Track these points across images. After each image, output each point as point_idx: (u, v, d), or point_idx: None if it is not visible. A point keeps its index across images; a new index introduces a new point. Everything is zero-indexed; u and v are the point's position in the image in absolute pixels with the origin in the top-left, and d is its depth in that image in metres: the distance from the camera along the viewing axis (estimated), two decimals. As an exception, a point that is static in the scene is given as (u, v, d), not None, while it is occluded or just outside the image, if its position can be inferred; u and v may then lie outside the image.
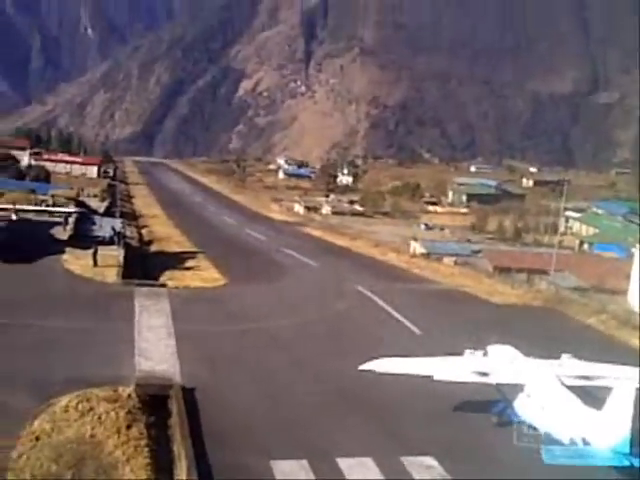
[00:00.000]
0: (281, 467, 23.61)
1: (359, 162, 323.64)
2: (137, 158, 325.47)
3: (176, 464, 24.04)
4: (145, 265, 66.91)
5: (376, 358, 28.04)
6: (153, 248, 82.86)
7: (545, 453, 22.83)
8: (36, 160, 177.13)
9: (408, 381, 27.54)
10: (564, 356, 28.47)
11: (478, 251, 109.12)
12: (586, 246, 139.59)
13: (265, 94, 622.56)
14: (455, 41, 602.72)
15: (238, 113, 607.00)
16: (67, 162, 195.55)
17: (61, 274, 53.43)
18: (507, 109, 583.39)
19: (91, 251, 57.33)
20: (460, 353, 28.75)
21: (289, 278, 63.85)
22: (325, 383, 32.80)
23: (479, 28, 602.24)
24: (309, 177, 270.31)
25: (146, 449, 24.09)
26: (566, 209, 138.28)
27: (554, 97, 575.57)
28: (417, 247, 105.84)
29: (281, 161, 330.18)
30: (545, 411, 25.24)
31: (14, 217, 71.16)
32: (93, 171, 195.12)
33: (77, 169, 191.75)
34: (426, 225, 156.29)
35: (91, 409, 26.35)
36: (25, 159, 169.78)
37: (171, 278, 58.16)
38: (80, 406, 26.48)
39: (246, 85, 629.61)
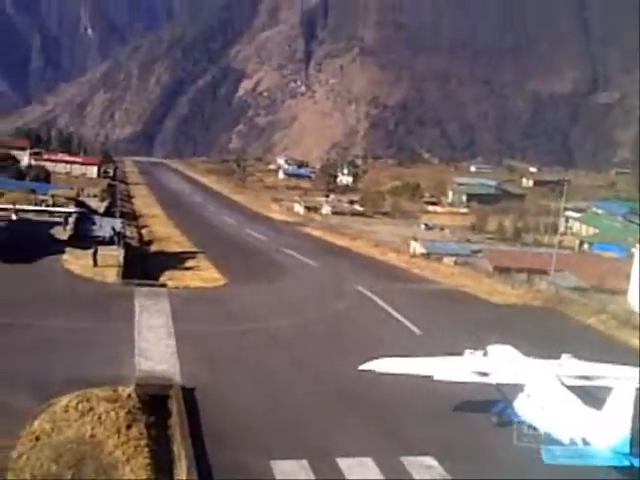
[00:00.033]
0: (281, 467, 23.61)
1: (359, 162, 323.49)
2: (137, 158, 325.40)
3: (176, 464, 24.02)
4: (145, 265, 66.90)
5: (376, 358, 28.03)
6: (153, 248, 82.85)
7: (545, 453, 22.83)
8: (36, 160, 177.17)
9: (408, 381, 27.55)
10: (564, 356, 28.48)
11: (478, 251, 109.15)
12: (586, 246, 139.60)
13: (265, 94, 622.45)
14: (455, 41, 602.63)
15: (238, 113, 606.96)
16: (67, 162, 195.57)
17: (61, 274, 53.43)
18: (507, 109, 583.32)
19: (91, 251, 57.34)
20: (460, 353, 28.74)
21: (289, 278, 63.85)
22: (325, 383, 32.80)
23: (479, 28, 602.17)
24: (309, 177, 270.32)
25: (146, 449, 24.09)
26: (566, 209, 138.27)
27: (554, 97, 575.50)
28: (417, 247, 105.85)
29: (281, 161, 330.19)
30: (545, 411, 25.24)
31: (14, 217, 71.17)
32: (93, 171, 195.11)
33: (77, 169, 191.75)
34: (426, 225, 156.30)
35: (91, 409, 26.35)
36: (25, 159, 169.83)
37: (171, 278, 58.16)
38: (80, 406, 26.48)
39: (246, 85, 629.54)
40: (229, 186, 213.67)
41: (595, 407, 23.53)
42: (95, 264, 56.13)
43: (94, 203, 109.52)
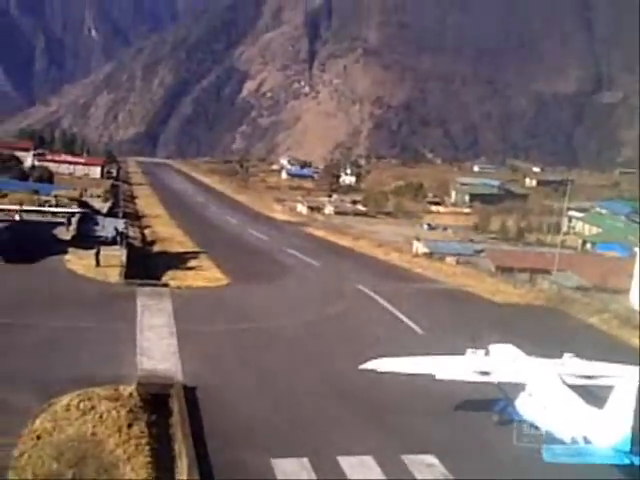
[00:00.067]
0: (282, 465, 23.64)
1: (362, 162, 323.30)
2: (140, 159, 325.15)
3: (177, 463, 24.06)
4: (147, 265, 66.82)
5: (378, 357, 28.04)
6: (156, 248, 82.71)
7: (546, 451, 22.83)
8: (39, 161, 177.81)
9: (410, 380, 27.58)
10: (566, 355, 28.48)
11: (481, 251, 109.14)
12: (589, 245, 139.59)
13: (269, 94, 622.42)
14: (459, 41, 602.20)
15: (242, 113, 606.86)
16: (70, 163, 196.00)
17: (64, 274, 53.57)
18: (511, 109, 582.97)
19: (94, 251, 57.47)
20: (462, 352, 28.71)
21: (291, 278, 63.85)
22: (327, 382, 32.86)
23: (482, 28, 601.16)
24: (312, 177, 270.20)
25: (147, 448, 24.14)
26: (569, 209, 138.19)
27: (558, 97, 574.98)
28: (420, 247, 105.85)
29: (284, 161, 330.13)
30: (547, 410, 25.25)
31: (17, 217, 71.30)
32: (96, 172, 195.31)
33: (80, 170, 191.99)
34: (429, 225, 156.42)
35: (92, 408, 26.45)
36: (28, 160, 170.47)
37: (173, 278, 58.08)
38: (81, 405, 26.58)
39: (250, 86, 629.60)
40: (232, 186, 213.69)
41: (597, 406, 23.52)
42: (98, 264, 56.27)
43: (97, 203, 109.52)
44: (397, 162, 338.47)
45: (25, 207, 78.18)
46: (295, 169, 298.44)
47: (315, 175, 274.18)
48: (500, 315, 49.63)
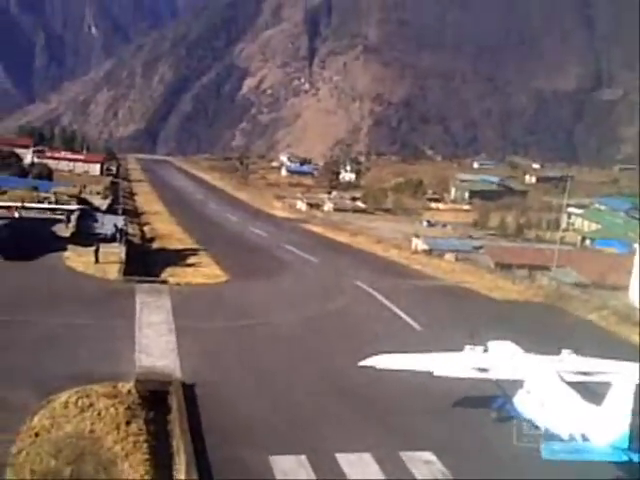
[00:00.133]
0: (280, 462, 23.59)
1: (362, 159, 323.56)
2: (140, 155, 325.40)
3: (175, 459, 24.07)
4: (147, 262, 66.96)
5: (376, 354, 28.02)
6: (155, 245, 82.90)
7: (544, 449, 22.83)
8: (39, 158, 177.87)
9: (408, 377, 27.58)
10: (564, 352, 28.39)
11: (480, 247, 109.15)
12: (588, 242, 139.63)
13: (269, 92, 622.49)
14: (459, 38, 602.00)
15: (242, 110, 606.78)
16: (70, 160, 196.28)
17: (63, 271, 53.57)
18: (510, 106, 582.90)
19: (93, 248, 57.45)
20: (460, 349, 28.69)
21: (290, 275, 63.84)
22: (325, 379, 32.86)
23: (483, 25, 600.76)
24: (312, 174, 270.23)
25: (145, 445, 24.11)
26: (568, 205, 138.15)
27: (558, 94, 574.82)
28: (419, 243, 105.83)
29: (284, 158, 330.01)
30: (545, 407, 25.19)
31: (16, 214, 71.27)
32: (96, 169, 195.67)
33: (80, 167, 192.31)
34: (428, 222, 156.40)
35: (91, 405, 26.39)
36: (28, 157, 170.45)
37: (172, 275, 58.28)
38: (80, 402, 26.53)
39: (250, 83, 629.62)
40: (232, 183, 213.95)
41: (595, 403, 23.49)
42: (97, 261, 56.29)
43: (97, 200, 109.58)
44: (397, 159, 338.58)
45: (24, 204, 78.06)
46: (295, 166, 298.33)
47: (315, 172, 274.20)
48: (499, 312, 49.66)
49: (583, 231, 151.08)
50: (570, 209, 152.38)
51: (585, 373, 27.16)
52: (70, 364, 31.11)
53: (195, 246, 78.71)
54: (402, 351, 28.88)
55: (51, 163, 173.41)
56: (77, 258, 57.53)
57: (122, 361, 32.31)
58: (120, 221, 77.36)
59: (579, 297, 57.19)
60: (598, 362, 28.16)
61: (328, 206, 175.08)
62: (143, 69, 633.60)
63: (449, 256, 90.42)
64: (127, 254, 61.39)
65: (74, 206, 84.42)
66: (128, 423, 25.40)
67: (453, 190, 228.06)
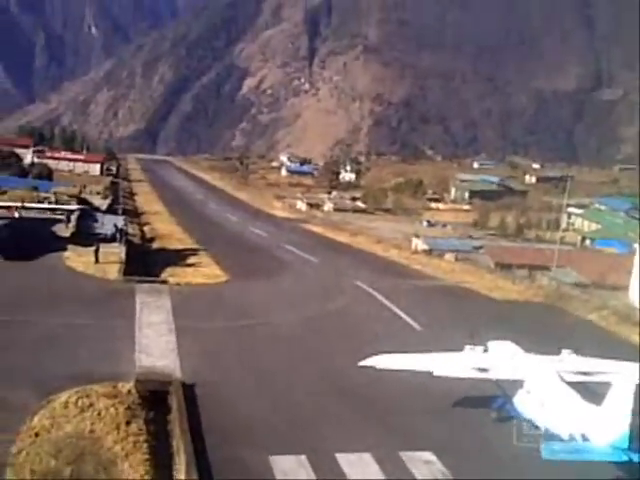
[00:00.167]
0: (280, 462, 23.60)
1: (362, 159, 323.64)
2: (140, 155, 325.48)
3: (175, 459, 24.07)
4: (147, 262, 66.98)
5: (376, 354, 28.02)
6: (155, 245, 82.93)
7: (544, 449, 22.83)
8: (39, 158, 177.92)
9: (408, 377, 27.58)
10: (564, 352, 28.40)
11: (480, 247, 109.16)
12: (588, 242, 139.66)
13: (269, 92, 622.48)
14: (459, 38, 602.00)
15: (242, 110, 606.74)
16: (70, 160, 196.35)
17: (63, 271, 53.58)
18: (511, 106, 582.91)
19: (93, 248, 57.46)
20: (460, 349, 28.69)
21: (290, 275, 63.83)
22: (325, 379, 32.86)
23: (483, 25, 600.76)
24: (312, 174, 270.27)
25: (145, 445, 24.13)
26: (568, 205, 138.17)
27: (558, 94, 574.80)
28: (419, 243, 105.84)
29: (284, 158, 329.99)
30: (545, 407, 25.19)
31: (16, 214, 71.28)
32: (96, 169, 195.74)
33: (80, 167, 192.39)
34: (428, 222, 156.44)
35: (91, 405, 26.40)
36: (28, 157, 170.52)
37: (172, 275, 58.29)
38: (80, 402, 26.54)
39: (250, 83, 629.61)
40: (232, 183, 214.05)
41: (595, 403, 23.49)
42: (97, 261, 56.31)
43: (96, 200, 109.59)
44: (397, 159, 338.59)
45: (25, 204, 78.05)
46: (295, 166, 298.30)
47: (315, 172, 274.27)
48: (499, 312, 49.66)
49: (583, 231, 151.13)
50: (570, 209, 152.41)
51: (585, 373, 27.17)
52: (70, 364, 31.11)
53: (195, 246, 78.73)
54: (402, 351, 28.87)
55: (51, 163, 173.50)
56: (77, 258, 57.54)
57: (122, 361, 32.31)
58: (120, 221, 77.36)
59: (579, 297, 57.20)
60: (598, 362, 28.16)
61: (328, 206, 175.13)
62: (143, 69, 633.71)
63: (449, 256, 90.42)
64: (127, 254, 61.41)
65: (74, 206, 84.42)
66: (128, 423, 25.41)
67: (453, 190, 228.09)
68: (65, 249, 60.88)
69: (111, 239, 67.18)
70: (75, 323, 38.11)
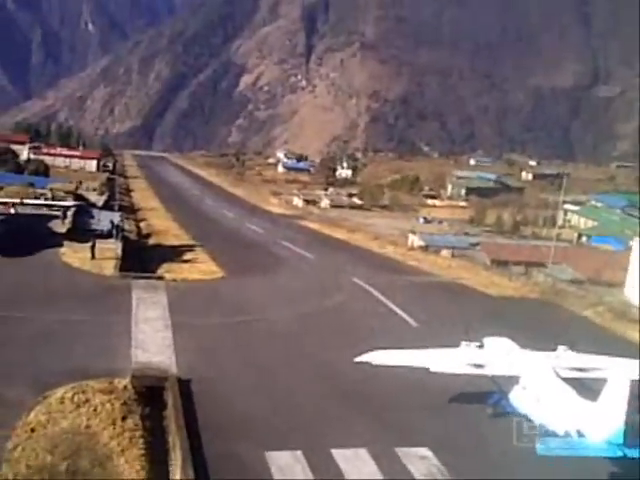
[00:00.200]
0: (276, 458, 23.65)
1: (359, 155, 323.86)
2: (137, 152, 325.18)
3: (171, 455, 24.10)
4: (143, 258, 66.96)
5: (372, 350, 28.06)
6: (151, 241, 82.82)
7: (539, 445, 22.86)
8: (35, 154, 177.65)
9: (404, 373, 27.62)
10: (560, 348, 28.45)
11: (476, 244, 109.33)
12: (584, 239, 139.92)
13: (266, 88, 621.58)
14: (456, 35, 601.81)
15: (238, 107, 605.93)
16: (66, 156, 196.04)
17: (59, 267, 53.49)
18: (508, 103, 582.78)
19: (89, 244, 57.43)
20: (456, 345, 28.73)
21: (287, 271, 63.84)
22: (322, 375, 32.88)
23: (480, 22, 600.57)
24: (308, 171, 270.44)
25: (141, 440, 24.16)
26: (565, 202, 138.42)
27: (555, 91, 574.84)
28: (415, 240, 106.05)
29: (280, 155, 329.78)
30: (540, 403, 25.24)
31: (12, 210, 71.20)
32: (92, 165, 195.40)
33: (76, 163, 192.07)
34: (425, 218, 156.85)
35: (87, 401, 26.41)
36: (24, 153, 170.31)
37: (169, 271, 58.17)
38: (76, 398, 26.54)
39: (247, 79, 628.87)
40: (228, 180, 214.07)
41: (591, 399, 23.52)
42: (93, 257, 56.24)
43: (93, 196, 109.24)
44: (394, 155, 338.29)
45: (22, 200, 77.95)
46: (291, 162, 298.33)
47: (311, 168, 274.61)
48: (495, 308, 49.69)
49: (579, 228, 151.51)
50: (566, 206, 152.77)
51: (581, 369, 27.24)
52: (66, 360, 31.12)
53: (191, 242, 78.62)
54: (398, 347, 28.90)
55: (47, 159, 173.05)
56: (73, 254, 57.48)
57: (118, 357, 32.29)
58: (116, 217, 77.21)
59: (575, 294, 57.31)
60: (594, 358, 28.22)
61: (325, 202, 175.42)
62: (140, 66, 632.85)
63: (445, 252, 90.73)
64: (123, 250, 61.32)
65: (70, 202, 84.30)
66: (124, 419, 25.45)
67: (450, 187, 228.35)
68: (61, 245, 60.80)
69: (107, 235, 67.13)
70: (71, 319, 38.08)
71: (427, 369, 26.69)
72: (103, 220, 73.77)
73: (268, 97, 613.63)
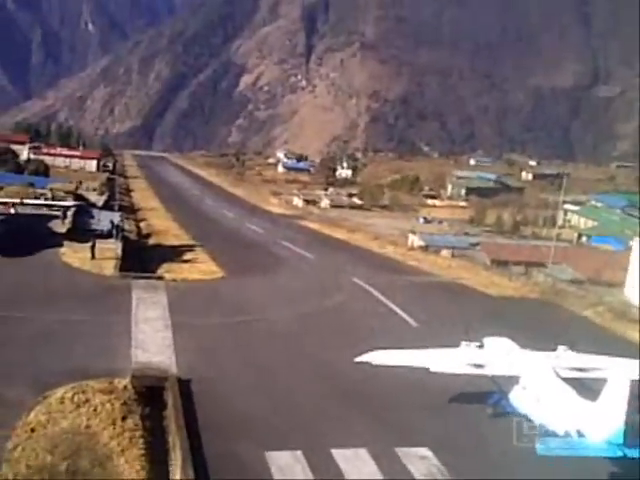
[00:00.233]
0: (276, 458, 23.65)
1: (359, 155, 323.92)
2: (137, 152, 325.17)
3: (171, 455, 24.10)
4: (143, 258, 66.96)
5: (372, 350, 28.06)
6: (151, 241, 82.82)
7: (539, 444, 22.86)
8: (35, 154, 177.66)
9: (404, 373, 27.62)
10: (560, 348, 28.45)
11: (476, 244, 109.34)
12: (584, 239, 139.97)
13: (266, 88, 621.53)
14: (456, 35, 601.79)
15: (238, 107, 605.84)
16: (66, 156, 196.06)
17: (59, 267, 53.47)
18: (508, 103, 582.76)
19: (89, 244, 57.44)
20: (456, 345, 28.73)
21: (287, 271, 63.83)
22: (321, 375, 32.89)
23: (480, 22, 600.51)
24: (308, 171, 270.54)
25: (141, 440, 24.17)
26: (565, 202, 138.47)
27: (555, 91, 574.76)
28: (415, 240, 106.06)
29: (280, 155, 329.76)
30: (540, 403, 25.25)
31: (12, 210, 71.20)
32: (92, 165, 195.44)
33: (76, 163, 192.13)
34: (425, 218, 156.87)
35: (87, 401, 26.42)
36: (24, 153, 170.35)
37: (169, 271, 58.14)
38: (76, 398, 26.55)
39: (247, 79, 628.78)
40: (228, 180, 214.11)
41: (591, 399, 23.52)
42: (93, 257, 56.24)
43: (93, 196, 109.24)
44: (394, 155, 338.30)
45: (22, 200, 77.94)
46: (291, 162, 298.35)
47: (311, 168, 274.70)
48: (495, 308, 49.68)
49: (579, 228, 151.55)
50: (566, 206, 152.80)
51: (581, 369, 27.25)
52: (66, 360, 31.12)
53: (191, 242, 78.62)
54: (398, 347, 28.90)
55: (47, 159, 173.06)
56: (73, 254, 57.48)
57: (118, 357, 32.29)
58: (116, 217, 77.21)
59: (575, 294, 57.32)
60: (594, 358, 28.22)
61: (325, 202, 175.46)
62: (140, 66, 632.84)
63: (445, 252, 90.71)
64: (123, 250, 61.33)
65: (70, 202, 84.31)
66: (124, 419, 25.46)
67: (450, 187, 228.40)
68: (61, 245, 60.80)
69: (107, 235, 67.14)
70: (71, 319, 38.08)
71: (427, 369, 26.69)
72: (103, 220, 73.77)
73: (268, 97, 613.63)
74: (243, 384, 30.98)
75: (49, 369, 29.62)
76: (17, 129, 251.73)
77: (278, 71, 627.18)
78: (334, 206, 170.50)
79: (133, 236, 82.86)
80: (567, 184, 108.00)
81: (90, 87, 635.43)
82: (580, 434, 23.10)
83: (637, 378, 23.58)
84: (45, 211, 76.87)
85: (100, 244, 59.04)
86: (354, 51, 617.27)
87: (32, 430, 24.30)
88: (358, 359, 27.88)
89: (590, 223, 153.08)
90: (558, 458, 22.56)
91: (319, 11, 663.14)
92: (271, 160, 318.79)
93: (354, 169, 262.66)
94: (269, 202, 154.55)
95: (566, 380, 25.74)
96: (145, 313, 40.72)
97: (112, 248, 61.04)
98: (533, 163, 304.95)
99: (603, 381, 23.13)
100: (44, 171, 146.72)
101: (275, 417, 27.53)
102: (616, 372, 23.23)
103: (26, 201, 78.00)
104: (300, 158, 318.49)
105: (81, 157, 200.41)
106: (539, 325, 41.99)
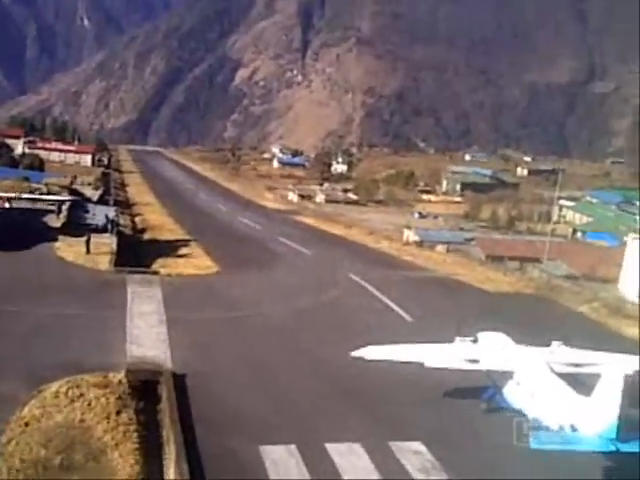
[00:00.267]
0: (270, 452, 23.62)
1: (354, 151, 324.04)
2: (132, 147, 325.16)
3: (165, 449, 24.09)
4: (138, 253, 66.92)
5: (367, 345, 28.05)
6: (146, 236, 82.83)
7: (532, 439, 22.88)
8: (30, 148, 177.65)
9: (399, 368, 27.62)
10: (555, 343, 28.43)
11: (471, 239, 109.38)
12: (579, 234, 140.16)
13: (261, 83, 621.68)
14: (452, 31, 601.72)
15: (234, 102, 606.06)
16: (61, 150, 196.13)
17: (54, 261, 53.40)
18: (503, 99, 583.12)
19: (84, 239, 57.40)
20: (451, 340, 28.72)
21: (282, 266, 63.82)
22: (316, 370, 32.88)
23: (476, 18, 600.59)
24: (303, 166, 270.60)
25: (135, 434, 24.15)
26: (560, 198, 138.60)
27: (550, 87, 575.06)
28: (410, 235, 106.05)
29: (276, 150, 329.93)
30: (534, 398, 25.26)
31: (7, 205, 71.16)
32: (87, 159, 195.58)
33: (71, 157, 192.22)
34: (420, 213, 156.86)
35: (81, 395, 26.36)
36: (19, 147, 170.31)
37: (163, 266, 58.09)
38: (70, 392, 26.49)
39: (242, 74, 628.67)
40: (223, 174, 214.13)
41: (585, 394, 23.54)
42: (88, 252, 56.18)
43: (88, 191, 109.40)
44: (389, 151, 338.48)
45: (18, 194, 77.93)
46: (287, 157, 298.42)
47: (306, 163, 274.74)
48: (490, 303, 49.70)
49: (574, 224, 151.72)
50: (561, 202, 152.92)
51: (575, 364, 27.22)
52: (61, 354, 31.06)
53: (186, 237, 78.62)
54: (393, 342, 28.89)
55: (42, 154, 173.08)
56: (68, 248, 57.39)
57: (113, 351, 32.22)
58: (111, 212, 77.38)
59: (570, 289, 57.40)
60: (588, 354, 28.21)
61: (320, 197, 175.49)
62: (135, 60, 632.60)
63: (440, 248, 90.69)
64: (118, 245, 61.39)
65: (65, 197, 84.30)
66: (118, 413, 25.40)
67: (445, 182, 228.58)
68: (56, 239, 60.70)
69: (102, 230, 67.20)
70: (66, 313, 38.03)
71: (422, 364, 26.70)
72: (98, 215, 73.92)
73: (264, 92, 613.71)
74: (237, 379, 30.94)
75: (43, 363, 29.55)
76: (12, 123, 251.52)
77: (274, 66, 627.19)
78: (329, 201, 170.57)
79: (128, 231, 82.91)
80: (562, 180, 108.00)
81: (85, 82, 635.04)
82: (574, 429, 23.09)
83: (630, 373, 23.54)
84: (40, 205, 76.76)
85: (95, 239, 59.04)
86: (350, 46, 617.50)
87: (26, 424, 24.24)
88: (353, 354, 27.82)
89: (585, 219, 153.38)
90: (551, 452, 22.58)
91: (315, 6, 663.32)
92: (266, 155, 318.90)
93: (349, 164, 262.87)
94: (264, 197, 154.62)
95: (560, 375, 25.73)
96: (140, 308, 40.67)
97: (107, 243, 61.04)
98: (528, 159, 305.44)
99: (597, 376, 23.12)
100: (39, 165, 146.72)
101: (269, 411, 27.51)
102: (610, 367, 23.23)
103: (21, 195, 78.01)
104: (295, 153, 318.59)
105: (76, 152, 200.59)
106: (534, 320, 41.98)
